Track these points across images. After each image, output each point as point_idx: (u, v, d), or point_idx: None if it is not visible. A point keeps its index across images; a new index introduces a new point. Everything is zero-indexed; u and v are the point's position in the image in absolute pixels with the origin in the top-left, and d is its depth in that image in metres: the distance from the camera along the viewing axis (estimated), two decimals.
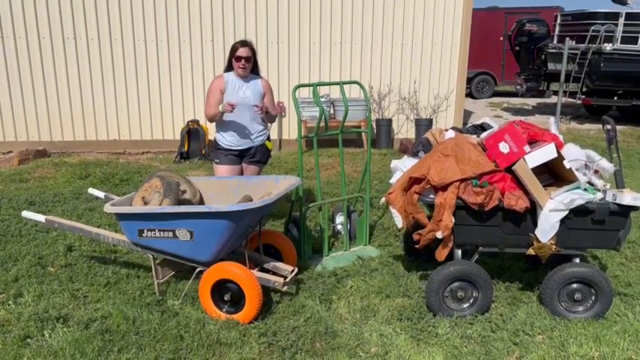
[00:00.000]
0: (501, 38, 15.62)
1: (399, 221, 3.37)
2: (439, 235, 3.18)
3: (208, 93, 4.23)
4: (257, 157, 4.40)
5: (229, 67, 4.25)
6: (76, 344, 2.93)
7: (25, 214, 3.77)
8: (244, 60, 4.11)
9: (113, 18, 7.84)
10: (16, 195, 5.78)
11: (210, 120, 4.23)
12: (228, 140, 4.30)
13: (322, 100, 7.63)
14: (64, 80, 7.91)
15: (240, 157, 4.37)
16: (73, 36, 7.79)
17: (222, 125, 4.28)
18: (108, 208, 3.36)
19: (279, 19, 8.35)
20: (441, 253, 3.28)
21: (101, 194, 4.13)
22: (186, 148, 7.94)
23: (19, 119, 7.90)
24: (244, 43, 4.14)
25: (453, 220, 3.15)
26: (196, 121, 8.03)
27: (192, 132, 7.97)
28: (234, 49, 4.14)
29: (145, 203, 3.41)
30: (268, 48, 8.39)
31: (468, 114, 12.09)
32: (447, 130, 3.77)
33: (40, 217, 3.71)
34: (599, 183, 3.28)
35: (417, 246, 3.37)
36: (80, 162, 7.45)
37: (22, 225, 4.76)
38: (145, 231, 3.31)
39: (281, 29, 8.40)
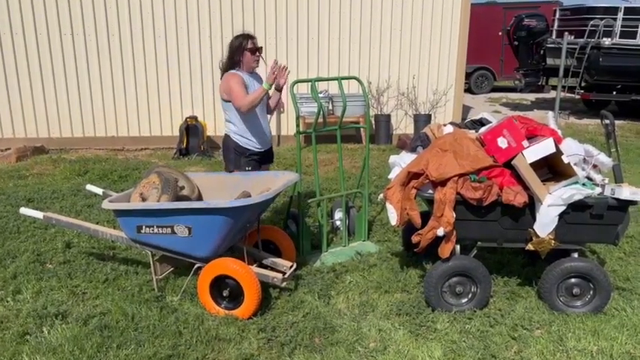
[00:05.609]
0: (500, 33, 15.59)
1: (393, 218, 3.33)
2: (440, 232, 3.16)
3: (232, 87, 3.84)
4: (271, 157, 4.26)
5: (232, 65, 3.94)
6: (75, 340, 2.93)
7: (24, 210, 3.76)
8: (258, 52, 3.94)
9: (111, 14, 7.80)
10: (14, 192, 5.77)
11: (251, 108, 3.85)
12: (254, 141, 4.02)
13: (321, 95, 7.62)
14: (61, 77, 7.88)
15: (259, 162, 4.11)
16: (71, 32, 7.75)
17: (247, 125, 3.96)
18: (106, 204, 3.35)
19: (277, 14, 8.32)
20: (445, 249, 3.24)
21: (99, 191, 4.12)
22: (184, 145, 7.92)
23: (17, 116, 7.88)
24: (252, 36, 3.92)
25: (454, 215, 3.14)
26: (195, 117, 8.01)
27: (191, 128, 7.96)
28: (241, 44, 3.88)
29: (143, 199, 3.40)
30: (266, 44, 8.36)
31: (466, 109, 12.08)
32: (445, 125, 3.76)
33: (39, 214, 3.71)
34: (597, 178, 3.27)
35: (415, 250, 3.34)
36: (78, 158, 7.44)
37: (21, 222, 4.75)
38: (144, 227, 3.30)
39: (279, 25, 8.37)
